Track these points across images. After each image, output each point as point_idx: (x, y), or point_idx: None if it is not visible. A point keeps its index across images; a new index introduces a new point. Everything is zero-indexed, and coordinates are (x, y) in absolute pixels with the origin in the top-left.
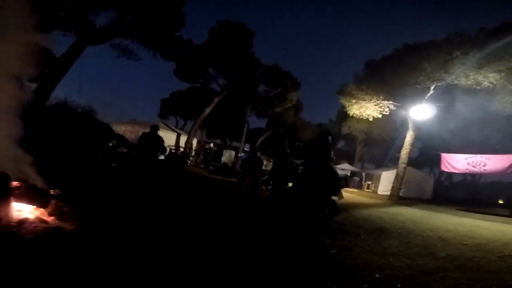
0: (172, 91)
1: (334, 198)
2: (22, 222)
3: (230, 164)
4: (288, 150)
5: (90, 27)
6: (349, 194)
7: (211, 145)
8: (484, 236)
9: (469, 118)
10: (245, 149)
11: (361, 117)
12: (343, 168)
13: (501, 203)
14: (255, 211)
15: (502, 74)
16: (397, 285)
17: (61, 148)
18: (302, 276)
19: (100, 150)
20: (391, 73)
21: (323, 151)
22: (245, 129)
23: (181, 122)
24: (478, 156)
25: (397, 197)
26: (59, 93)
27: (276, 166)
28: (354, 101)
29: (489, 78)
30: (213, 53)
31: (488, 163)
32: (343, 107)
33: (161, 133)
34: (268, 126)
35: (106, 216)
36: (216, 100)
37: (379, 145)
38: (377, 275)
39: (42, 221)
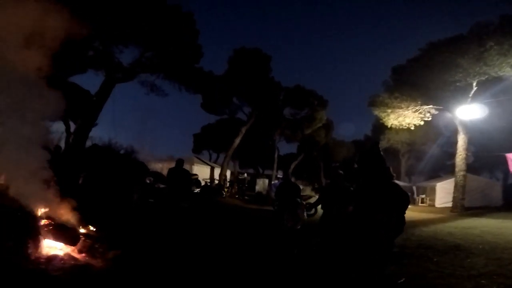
0: (203, 125)
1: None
2: (51, 258)
3: (264, 192)
4: (341, 172)
5: (117, 64)
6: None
7: (245, 175)
8: None
9: None
10: (278, 175)
11: (400, 127)
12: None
13: None
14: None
15: None
16: None
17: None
18: None
19: (137, 188)
20: (424, 74)
21: (381, 166)
22: (275, 156)
23: (214, 156)
24: None
25: (461, 208)
26: (96, 134)
27: (328, 191)
28: (389, 110)
29: None
30: (234, 82)
31: None
32: (378, 119)
33: (195, 167)
34: (299, 150)
35: (138, 254)
36: (243, 130)
37: (425, 155)
38: None
39: (71, 258)
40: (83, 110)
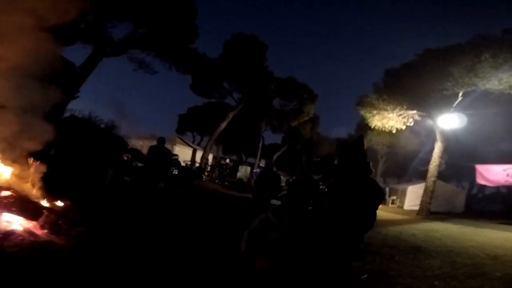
0: (190, 106)
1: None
2: (8, 234)
3: (245, 180)
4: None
5: (108, 39)
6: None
7: (227, 160)
8: None
9: (503, 127)
10: (261, 164)
11: (383, 129)
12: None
13: None
14: None
15: None
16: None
17: (72, 161)
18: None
19: (113, 164)
20: (414, 80)
21: (363, 160)
22: (260, 144)
23: (198, 138)
24: None
25: (427, 212)
26: (78, 107)
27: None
28: (375, 112)
29: None
30: (227, 66)
31: None
32: (363, 119)
33: (177, 148)
34: (284, 141)
35: (105, 233)
36: (231, 115)
37: (401, 159)
38: None
39: (31, 234)
40: (64, 81)
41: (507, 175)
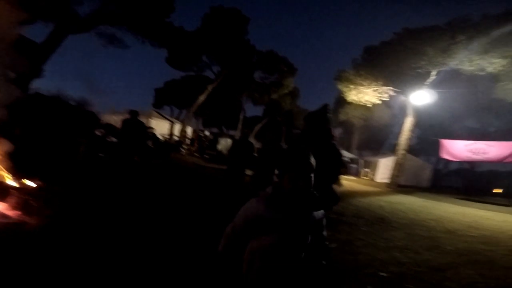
0: (167, 80)
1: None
2: None
3: (226, 152)
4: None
5: (72, 16)
6: (347, 182)
7: (207, 133)
8: (490, 227)
9: (470, 105)
10: (250, 140)
11: (359, 103)
12: (345, 156)
13: (498, 192)
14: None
15: (508, 60)
16: (406, 285)
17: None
18: (300, 277)
19: (85, 140)
20: (391, 58)
21: (325, 126)
22: (241, 117)
23: (177, 112)
24: (479, 143)
25: (395, 185)
26: (45, 85)
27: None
28: (352, 86)
29: (494, 64)
30: (206, 40)
31: (490, 150)
32: (341, 93)
33: (153, 121)
34: (265, 113)
35: (79, 212)
36: (210, 88)
37: (377, 132)
38: (382, 274)
39: (1, 215)
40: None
41: (469, 151)
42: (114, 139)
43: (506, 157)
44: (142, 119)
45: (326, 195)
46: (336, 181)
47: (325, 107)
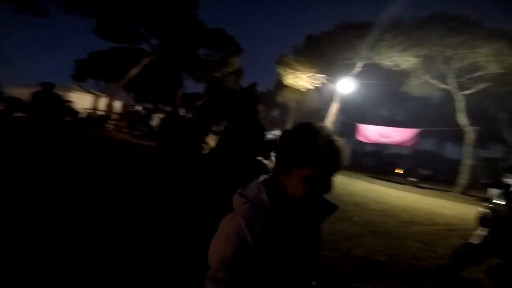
0: (93, 51)
1: (266, 162)
2: None
3: (158, 129)
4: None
5: None
6: None
7: (139, 108)
8: (389, 202)
9: (384, 96)
10: (181, 113)
11: (294, 87)
12: (276, 134)
13: (400, 172)
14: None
15: (419, 59)
16: (323, 253)
17: None
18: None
19: None
20: (328, 48)
21: (251, 102)
22: (180, 93)
23: (103, 86)
24: (386, 128)
25: None
26: None
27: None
28: (290, 71)
29: (408, 61)
30: (147, 10)
31: (394, 135)
32: (280, 76)
33: (73, 95)
34: (207, 91)
35: None
36: (146, 61)
37: (309, 115)
38: None
39: None
40: None
41: (378, 134)
42: (21, 114)
43: (406, 141)
44: (59, 93)
45: (256, 168)
46: (267, 156)
47: (253, 85)
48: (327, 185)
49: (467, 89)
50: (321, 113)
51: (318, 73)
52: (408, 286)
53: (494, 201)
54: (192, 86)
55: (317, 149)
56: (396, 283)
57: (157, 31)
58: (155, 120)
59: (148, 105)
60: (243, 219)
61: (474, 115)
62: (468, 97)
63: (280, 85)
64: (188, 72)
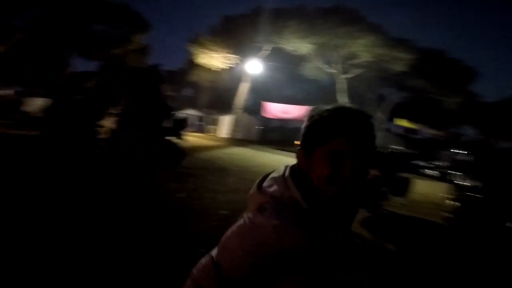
0: None
1: (177, 141)
2: None
3: (40, 115)
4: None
5: None
6: (195, 139)
7: (10, 92)
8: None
9: (287, 77)
10: (68, 96)
11: (207, 66)
12: (188, 113)
13: (298, 144)
14: None
15: (315, 46)
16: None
17: None
18: (152, 225)
19: None
20: (242, 30)
21: (154, 82)
22: (66, 73)
23: None
24: (286, 105)
25: (233, 139)
26: None
27: None
28: (205, 51)
29: (306, 47)
30: None
31: (292, 111)
32: (191, 55)
33: None
34: (103, 69)
35: None
36: (16, 38)
37: (222, 94)
38: (222, 212)
39: None
40: None
41: (280, 111)
42: None
43: (301, 116)
44: None
45: (168, 151)
46: (179, 136)
47: (155, 66)
48: (355, 170)
49: (348, 73)
50: (233, 92)
51: (231, 54)
52: None
53: None
54: (83, 64)
55: (342, 122)
56: None
57: (33, 5)
58: (30, 105)
59: (19, 89)
60: (272, 226)
61: (351, 96)
62: (349, 80)
63: (192, 64)
64: (79, 50)
